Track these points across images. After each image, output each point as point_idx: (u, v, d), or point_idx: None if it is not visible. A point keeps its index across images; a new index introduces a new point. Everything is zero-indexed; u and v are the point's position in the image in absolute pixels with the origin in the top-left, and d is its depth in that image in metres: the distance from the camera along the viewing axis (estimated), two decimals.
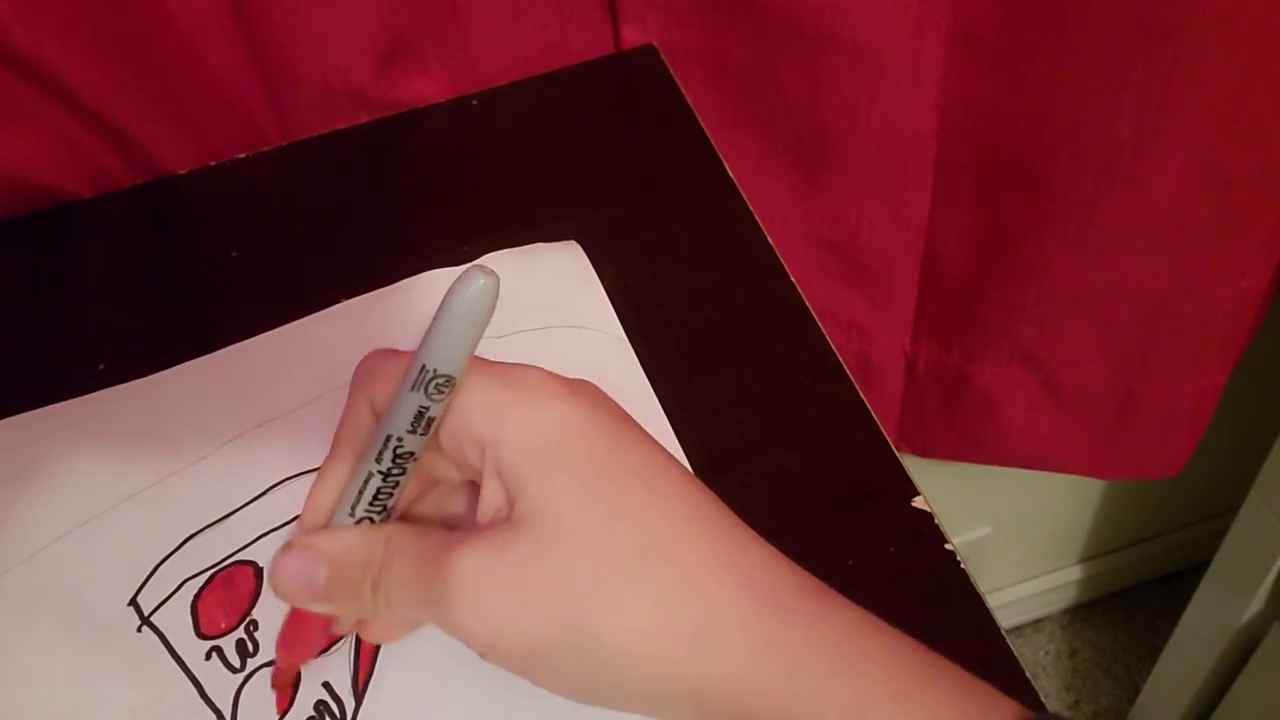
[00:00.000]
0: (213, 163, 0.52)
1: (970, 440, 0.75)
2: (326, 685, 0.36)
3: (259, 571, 0.38)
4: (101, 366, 0.44)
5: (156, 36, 0.48)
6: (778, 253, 0.47)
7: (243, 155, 0.52)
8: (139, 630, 0.37)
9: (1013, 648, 0.36)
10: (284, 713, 0.35)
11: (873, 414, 0.42)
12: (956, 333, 0.69)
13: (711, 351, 0.44)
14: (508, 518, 0.29)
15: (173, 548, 0.38)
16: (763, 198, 0.54)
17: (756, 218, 0.48)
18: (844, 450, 0.41)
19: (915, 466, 0.41)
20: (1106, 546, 1.23)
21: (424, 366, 0.28)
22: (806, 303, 0.45)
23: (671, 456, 0.30)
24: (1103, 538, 1.21)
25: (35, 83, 0.46)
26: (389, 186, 0.51)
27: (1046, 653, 1.32)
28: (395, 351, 0.31)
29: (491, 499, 0.29)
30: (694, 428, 0.41)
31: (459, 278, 0.27)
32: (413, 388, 0.28)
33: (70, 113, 0.48)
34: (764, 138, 0.60)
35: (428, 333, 0.28)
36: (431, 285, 0.45)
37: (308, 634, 0.33)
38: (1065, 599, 1.30)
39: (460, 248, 0.47)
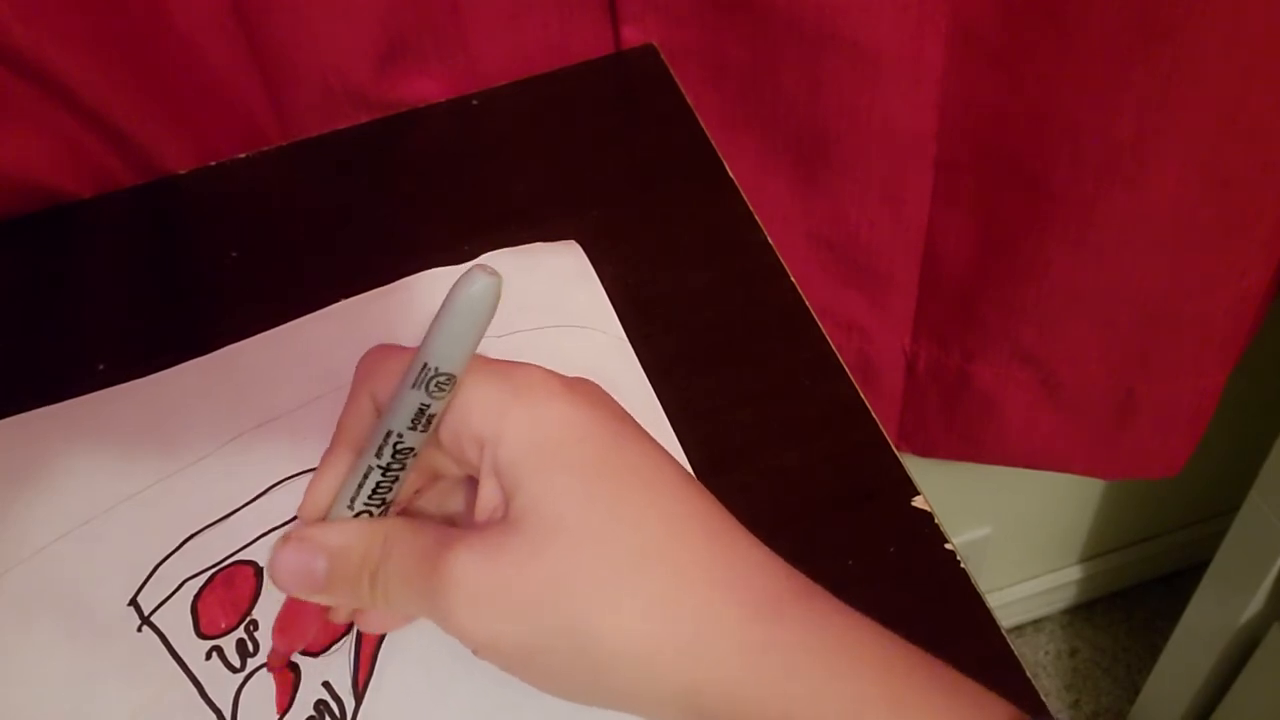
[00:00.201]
0: (213, 163, 0.52)
1: (970, 440, 0.75)
2: (326, 685, 0.36)
3: (259, 571, 0.38)
4: (101, 366, 0.44)
5: (156, 36, 0.48)
6: (778, 253, 0.47)
7: (243, 155, 0.52)
8: (139, 630, 0.37)
9: (1013, 647, 0.36)
10: (284, 712, 0.35)
11: (873, 414, 0.42)
12: (956, 333, 0.69)
13: (711, 351, 0.44)
14: (504, 516, 0.29)
15: (173, 548, 0.38)
16: (763, 198, 0.54)
17: (756, 218, 0.48)
18: (844, 450, 0.41)
19: (915, 466, 0.41)
20: (1106, 546, 1.23)
21: (426, 364, 0.28)
22: (806, 303, 0.45)
23: (671, 457, 0.30)
24: (1103, 538, 1.21)
25: (35, 83, 0.46)
26: (389, 186, 0.51)
27: (1046, 653, 1.32)
28: (398, 347, 0.31)
29: (488, 498, 0.29)
30: (694, 428, 0.41)
31: (462, 277, 0.27)
32: (414, 385, 0.28)
33: (70, 113, 0.48)
34: (764, 138, 0.60)
35: (430, 331, 0.28)
36: (431, 284, 0.45)
37: (304, 620, 0.33)
38: (1065, 599, 1.30)
39: (460, 248, 0.47)
